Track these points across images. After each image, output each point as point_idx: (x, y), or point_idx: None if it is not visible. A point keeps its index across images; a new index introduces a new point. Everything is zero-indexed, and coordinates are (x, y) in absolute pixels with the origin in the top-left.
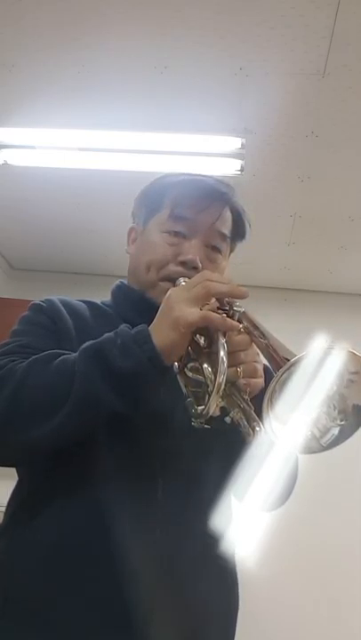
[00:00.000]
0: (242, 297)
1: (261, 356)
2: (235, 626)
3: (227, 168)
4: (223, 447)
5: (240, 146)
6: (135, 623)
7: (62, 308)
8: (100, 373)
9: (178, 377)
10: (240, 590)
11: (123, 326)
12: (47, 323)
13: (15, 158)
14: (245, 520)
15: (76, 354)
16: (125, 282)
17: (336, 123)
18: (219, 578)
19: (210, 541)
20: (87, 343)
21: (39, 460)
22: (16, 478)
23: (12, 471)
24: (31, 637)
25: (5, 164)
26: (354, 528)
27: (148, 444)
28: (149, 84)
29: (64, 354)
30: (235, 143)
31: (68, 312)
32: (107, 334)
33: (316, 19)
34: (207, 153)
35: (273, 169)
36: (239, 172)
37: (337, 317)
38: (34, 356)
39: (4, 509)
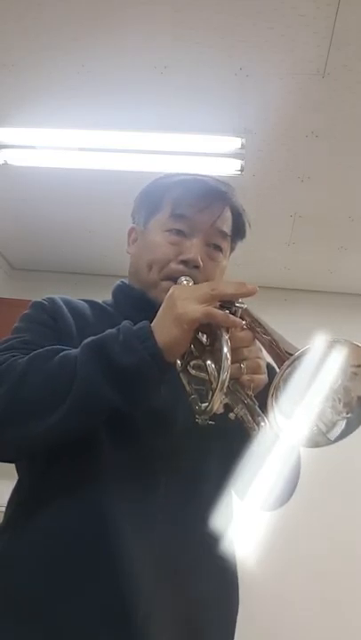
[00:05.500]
0: (250, 294)
1: (264, 352)
2: (235, 626)
3: (227, 168)
4: (224, 446)
5: (240, 146)
6: (135, 623)
7: (63, 307)
8: (101, 370)
9: (181, 374)
10: (240, 590)
11: (125, 322)
12: (48, 321)
13: (15, 158)
14: (246, 519)
15: (78, 349)
16: (126, 281)
17: (336, 123)
18: (219, 578)
19: (210, 541)
20: (89, 339)
21: (39, 456)
22: (16, 478)
23: (12, 471)
24: (31, 637)
25: (5, 164)
26: (355, 528)
27: (150, 443)
28: (149, 84)
29: (65, 349)
30: (235, 143)
31: (70, 311)
32: (109, 330)
33: (316, 19)
34: (207, 153)
35: (273, 169)
36: (239, 172)
37: (337, 317)
38: (35, 352)
39: (3, 509)
